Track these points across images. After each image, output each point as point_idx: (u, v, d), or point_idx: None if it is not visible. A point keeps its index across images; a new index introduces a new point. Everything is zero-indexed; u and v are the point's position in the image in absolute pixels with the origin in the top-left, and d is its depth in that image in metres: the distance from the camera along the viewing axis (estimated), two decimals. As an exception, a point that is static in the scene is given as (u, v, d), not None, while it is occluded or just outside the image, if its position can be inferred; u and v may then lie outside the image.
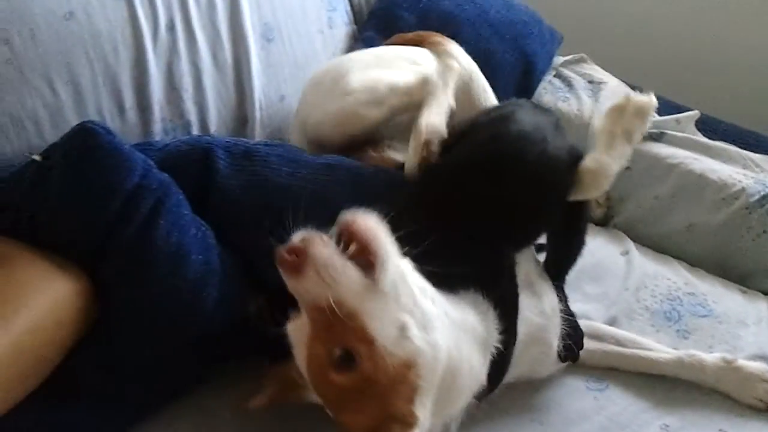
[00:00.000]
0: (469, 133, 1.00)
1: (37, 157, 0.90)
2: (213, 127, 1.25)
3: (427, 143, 1.00)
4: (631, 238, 1.43)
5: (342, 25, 1.53)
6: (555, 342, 1.00)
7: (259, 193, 0.94)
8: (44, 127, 1.05)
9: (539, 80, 1.63)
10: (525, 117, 0.97)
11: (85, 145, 0.87)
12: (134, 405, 0.91)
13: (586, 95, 1.63)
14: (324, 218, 0.90)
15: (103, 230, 0.84)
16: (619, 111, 0.96)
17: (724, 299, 1.26)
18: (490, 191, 0.90)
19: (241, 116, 1.30)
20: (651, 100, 0.98)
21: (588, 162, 0.95)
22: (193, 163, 0.97)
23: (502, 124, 0.96)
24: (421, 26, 1.45)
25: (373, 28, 1.55)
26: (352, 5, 1.59)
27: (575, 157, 0.96)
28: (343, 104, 1.10)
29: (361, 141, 1.12)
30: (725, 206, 1.39)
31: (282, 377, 0.89)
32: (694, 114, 1.57)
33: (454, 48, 1.22)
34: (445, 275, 0.81)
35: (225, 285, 0.90)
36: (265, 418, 0.92)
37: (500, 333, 0.88)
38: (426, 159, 0.99)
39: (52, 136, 1.04)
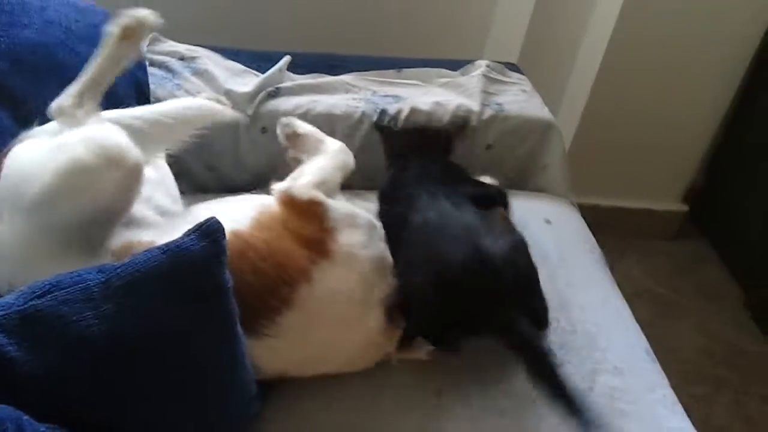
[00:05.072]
0: None
1: None
2: None
3: None
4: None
5: None
6: None
7: (77, 362, 0.78)
8: None
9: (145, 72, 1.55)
10: None
11: None
12: None
13: (189, 73, 1.62)
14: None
15: None
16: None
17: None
18: None
19: None
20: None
21: None
22: None
23: None
24: (16, 69, 1.22)
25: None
26: None
27: None
28: None
29: None
30: (356, 131, 1.63)
31: None
32: (288, 59, 1.71)
33: None
34: None
35: None
36: None
37: None
38: None
39: None
